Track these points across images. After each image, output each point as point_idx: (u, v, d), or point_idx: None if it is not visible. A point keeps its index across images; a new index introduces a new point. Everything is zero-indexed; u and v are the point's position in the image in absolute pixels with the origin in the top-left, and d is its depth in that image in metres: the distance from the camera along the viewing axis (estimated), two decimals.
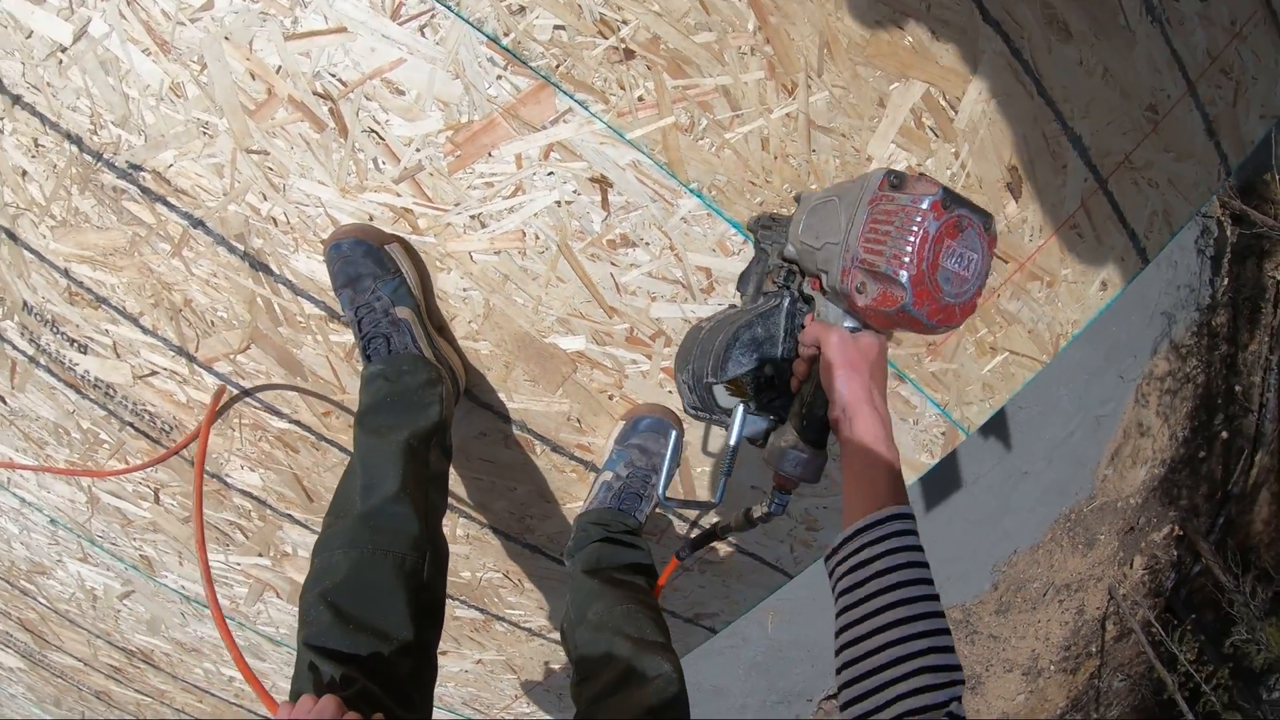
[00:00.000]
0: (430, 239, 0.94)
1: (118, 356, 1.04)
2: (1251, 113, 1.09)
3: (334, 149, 0.87)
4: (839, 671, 0.52)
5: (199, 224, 0.92)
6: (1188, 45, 1.02)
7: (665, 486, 0.81)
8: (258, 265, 0.94)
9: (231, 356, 1.01)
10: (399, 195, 0.90)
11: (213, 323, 0.99)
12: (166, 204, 0.92)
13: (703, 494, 1.18)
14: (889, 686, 0.49)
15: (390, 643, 0.74)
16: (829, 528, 1.25)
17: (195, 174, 0.91)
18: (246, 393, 1.04)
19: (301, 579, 1.20)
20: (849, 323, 0.63)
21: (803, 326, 0.70)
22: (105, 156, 0.91)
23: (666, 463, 0.83)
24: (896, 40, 0.91)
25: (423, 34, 0.83)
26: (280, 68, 0.84)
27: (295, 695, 0.69)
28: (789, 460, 0.67)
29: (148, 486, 1.16)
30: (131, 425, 1.09)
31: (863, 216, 0.59)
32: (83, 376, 1.07)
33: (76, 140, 0.91)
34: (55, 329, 1.04)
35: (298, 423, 1.05)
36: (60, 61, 0.87)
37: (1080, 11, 0.95)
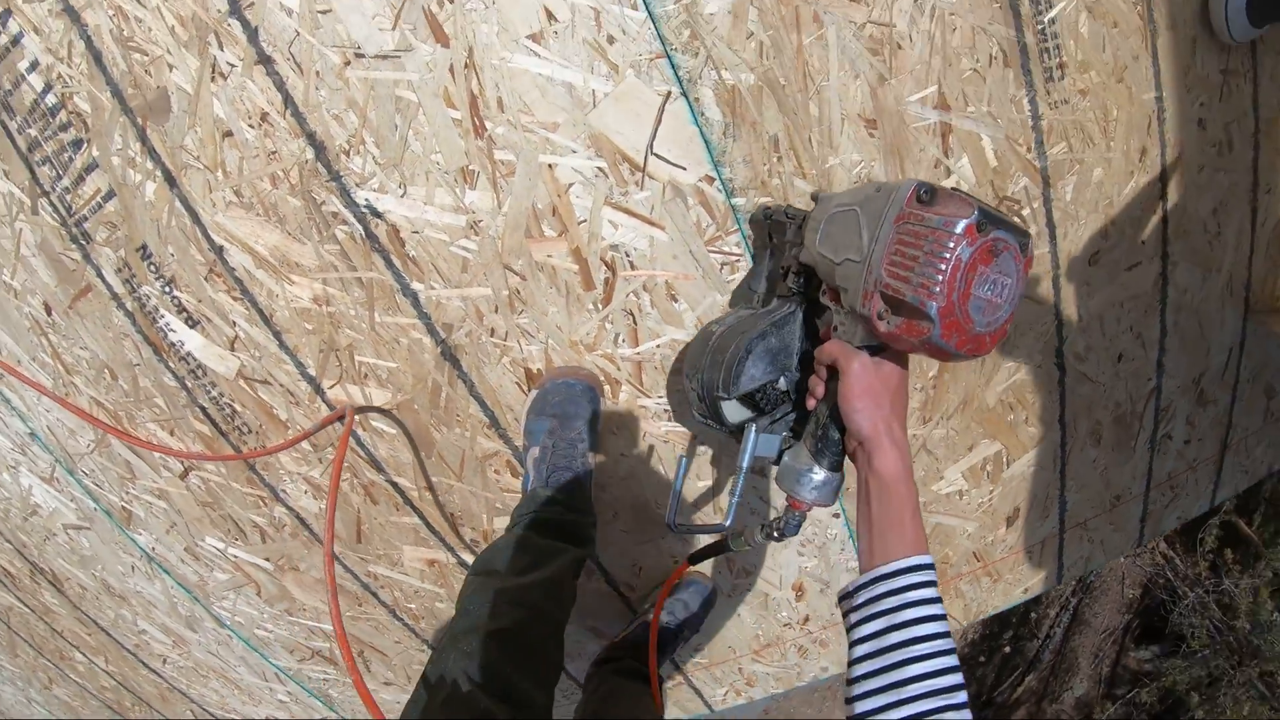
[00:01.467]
0: (621, 409, 0.90)
1: (231, 350, 0.86)
2: (1171, 514, 1.36)
3: (588, 308, 0.81)
4: (852, 717, 0.48)
5: (411, 295, 0.80)
6: (1160, 467, 1.25)
7: (674, 512, 0.69)
8: (449, 355, 0.83)
9: (365, 409, 0.89)
10: (618, 368, 0.85)
11: (365, 375, 0.86)
12: (387, 260, 0.79)
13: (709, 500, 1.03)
14: None
15: (537, 700, 0.66)
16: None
17: (437, 253, 0.79)
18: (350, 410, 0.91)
19: (301, 594, 1.08)
20: (869, 344, 0.53)
21: (819, 339, 0.61)
22: (343, 180, 0.76)
23: (675, 490, 0.69)
24: (1003, 415, 1.03)
25: (721, 269, 0.80)
26: (584, 222, 0.76)
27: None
28: (804, 484, 0.58)
29: (181, 461, 0.97)
30: (203, 410, 0.91)
31: (888, 235, 0.49)
32: (173, 344, 0.87)
33: (318, 146, 0.75)
34: (168, 289, 0.84)
35: (394, 483, 0.94)
36: (346, 63, 0.71)
37: (1113, 431, 1.13)
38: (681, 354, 0.86)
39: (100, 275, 0.86)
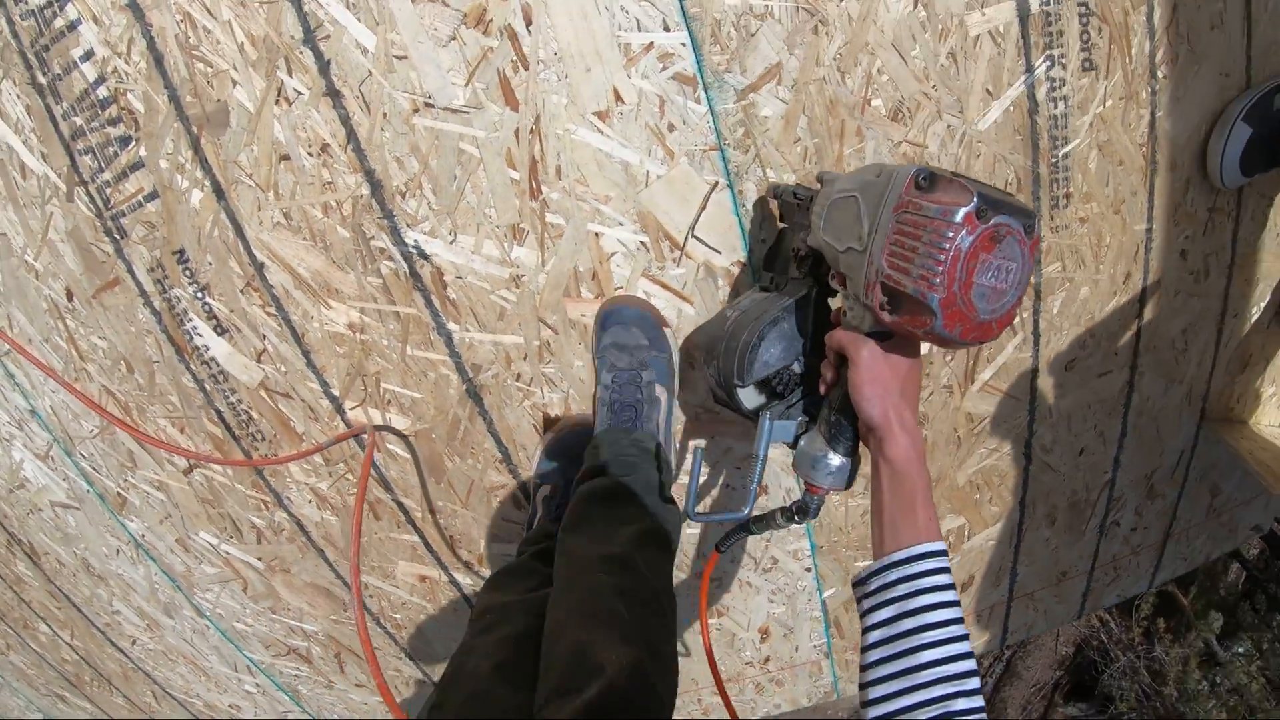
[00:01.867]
0: None
1: (257, 361, 0.89)
2: (1111, 592, 1.49)
3: None
4: (864, 706, 0.49)
5: (446, 334, 0.84)
6: (1106, 550, 1.37)
7: (694, 502, 0.70)
8: (473, 393, 0.88)
9: (384, 433, 0.93)
10: None
11: (389, 401, 0.90)
12: (427, 299, 0.83)
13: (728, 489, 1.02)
14: None
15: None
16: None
17: (476, 299, 0.83)
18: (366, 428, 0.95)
19: (289, 595, 1.11)
20: (878, 331, 0.54)
21: (830, 322, 0.61)
22: (395, 220, 0.80)
23: (693, 480, 0.69)
24: (971, 494, 1.12)
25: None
26: (620, 288, 0.81)
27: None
28: (819, 470, 0.59)
29: (187, 458, 0.99)
30: (218, 413, 0.94)
31: (887, 224, 0.49)
32: (198, 347, 0.90)
33: (375, 184, 0.79)
34: (200, 294, 0.87)
35: (400, 503, 0.98)
36: (415, 110, 0.75)
37: (1067, 514, 1.24)
38: (691, 339, 0.85)
39: (131, 271, 0.87)
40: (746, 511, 0.66)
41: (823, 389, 0.60)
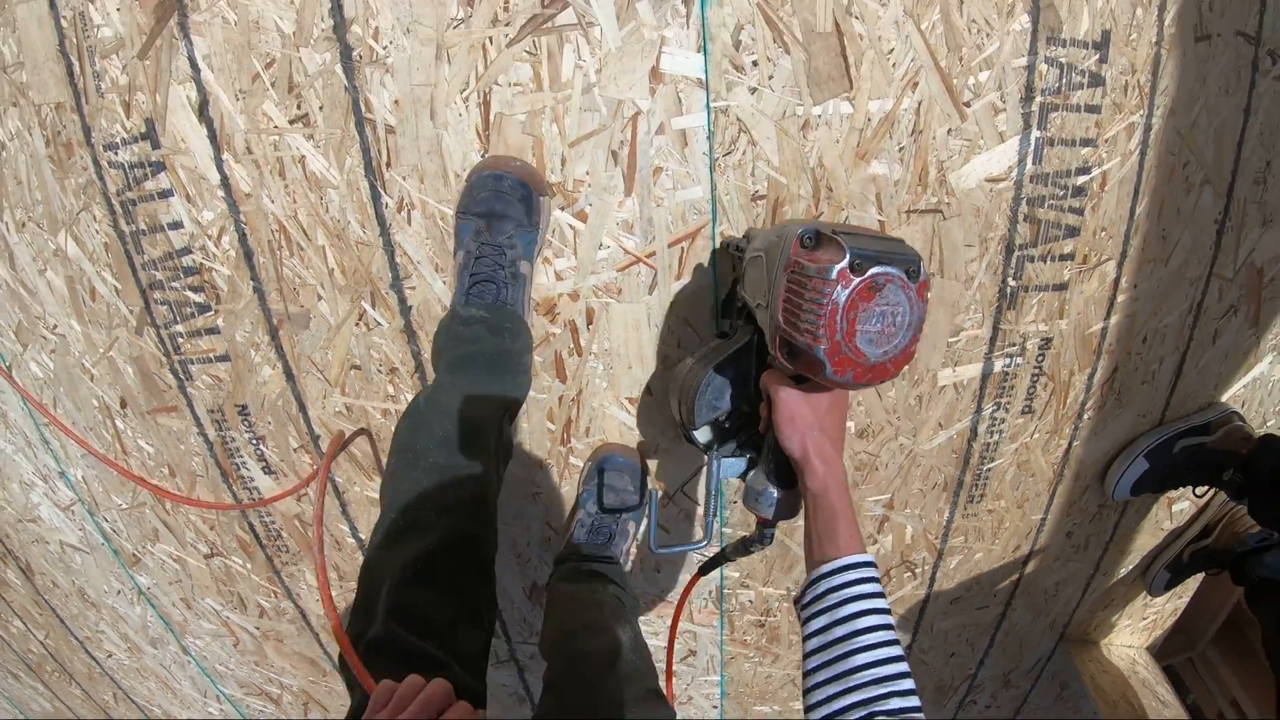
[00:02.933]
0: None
1: (297, 500, 1.07)
2: None
3: None
4: (808, 710, 0.53)
5: None
6: (964, 715, 1.72)
7: (654, 537, 0.80)
8: None
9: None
10: None
11: None
12: None
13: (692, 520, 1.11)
14: None
15: (470, 619, 0.66)
16: None
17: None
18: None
19: (276, 657, 1.32)
20: (797, 374, 0.60)
21: (769, 366, 0.67)
22: None
23: (650, 515, 0.80)
24: None
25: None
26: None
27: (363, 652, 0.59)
28: (762, 502, 0.66)
29: (206, 544, 1.18)
30: (250, 526, 1.12)
31: (780, 282, 0.56)
32: (243, 476, 1.07)
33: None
34: (255, 442, 1.04)
35: None
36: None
37: (933, 694, 1.56)
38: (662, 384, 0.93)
39: (190, 406, 1.03)
40: (706, 540, 0.75)
41: (761, 428, 0.67)
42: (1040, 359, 1.02)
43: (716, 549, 0.82)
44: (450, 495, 0.68)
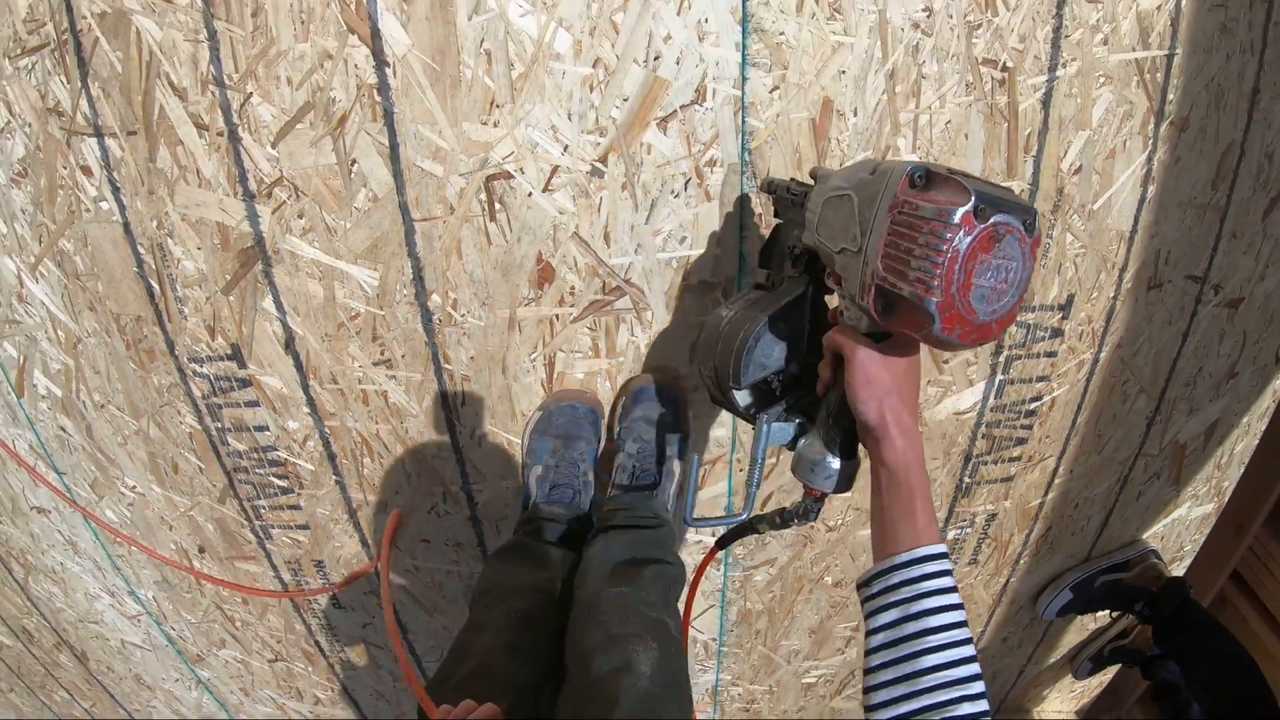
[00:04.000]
0: None
1: (361, 629, 1.31)
2: None
3: None
4: (868, 710, 0.52)
5: None
6: None
7: (691, 508, 0.77)
8: None
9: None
10: None
11: None
12: None
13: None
14: None
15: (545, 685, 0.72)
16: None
17: None
18: None
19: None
20: (874, 331, 0.57)
21: (827, 321, 0.64)
22: None
23: (690, 487, 0.77)
24: None
25: None
26: None
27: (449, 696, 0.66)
28: (818, 473, 0.63)
29: (272, 652, 1.41)
30: (318, 644, 1.35)
31: (882, 224, 0.52)
32: (314, 608, 1.30)
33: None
34: (328, 584, 1.26)
35: None
36: None
37: None
38: (696, 340, 0.95)
39: (268, 558, 1.24)
40: (745, 515, 0.71)
41: (820, 390, 0.64)
42: (986, 527, 1.30)
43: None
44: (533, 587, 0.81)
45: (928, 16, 0.84)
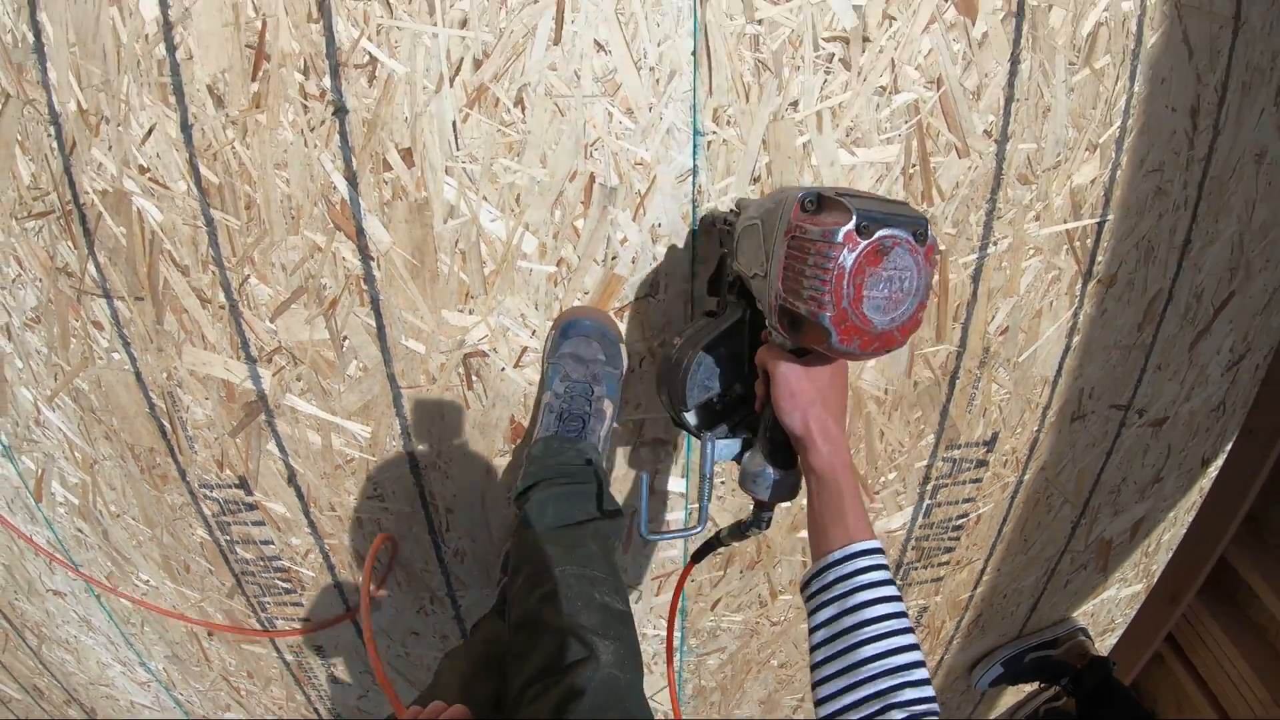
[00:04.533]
0: None
1: (357, 701, 1.49)
2: None
3: None
4: (817, 705, 0.54)
5: None
6: None
7: (645, 523, 0.80)
8: None
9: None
10: None
11: None
12: None
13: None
14: None
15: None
16: None
17: None
18: None
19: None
20: (797, 348, 0.61)
21: (761, 342, 0.68)
22: None
23: (642, 500, 0.80)
24: None
25: None
26: None
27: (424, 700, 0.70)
28: (759, 484, 0.67)
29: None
30: (317, 711, 1.53)
31: (780, 249, 0.56)
32: (314, 683, 1.47)
33: None
34: (328, 665, 1.43)
35: None
36: None
37: None
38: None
39: (273, 641, 1.41)
40: (700, 528, 0.77)
41: (758, 407, 0.68)
42: (920, 618, 1.48)
43: (709, 534, 0.83)
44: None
45: None
